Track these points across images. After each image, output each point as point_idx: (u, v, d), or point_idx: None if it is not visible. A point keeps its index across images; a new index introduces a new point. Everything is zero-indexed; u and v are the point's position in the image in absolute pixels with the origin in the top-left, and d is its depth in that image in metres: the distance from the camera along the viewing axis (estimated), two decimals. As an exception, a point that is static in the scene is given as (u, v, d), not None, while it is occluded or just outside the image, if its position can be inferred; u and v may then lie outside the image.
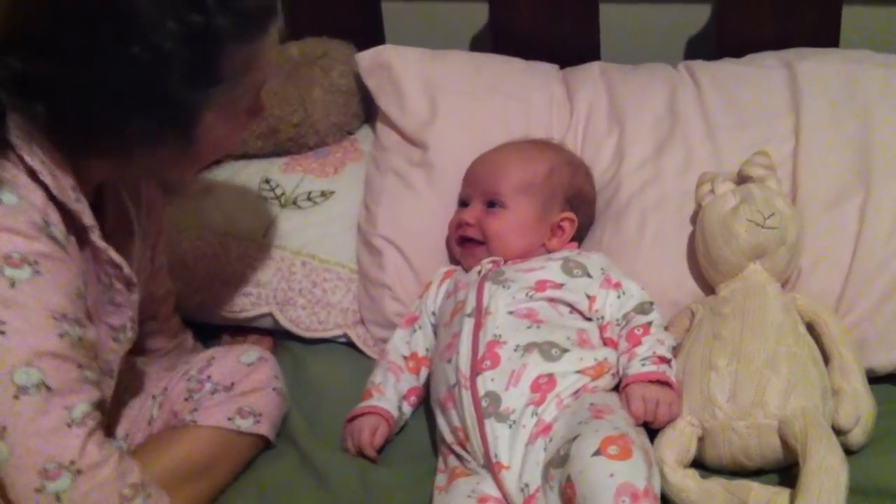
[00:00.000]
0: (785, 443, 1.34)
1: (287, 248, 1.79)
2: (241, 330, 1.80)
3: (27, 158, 1.17)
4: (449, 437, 1.42)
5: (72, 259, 1.21)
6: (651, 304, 1.53)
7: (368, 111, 1.99)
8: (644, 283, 1.57)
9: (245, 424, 1.46)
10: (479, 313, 1.49)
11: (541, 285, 1.52)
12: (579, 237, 1.70)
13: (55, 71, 1.14)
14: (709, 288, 1.59)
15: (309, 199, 1.84)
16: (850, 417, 1.39)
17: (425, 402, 1.59)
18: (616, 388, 1.46)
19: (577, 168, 1.72)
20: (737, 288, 1.52)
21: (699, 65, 1.86)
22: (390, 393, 1.56)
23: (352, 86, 1.97)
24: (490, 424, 1.37)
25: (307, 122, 1.92)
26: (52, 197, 1.19)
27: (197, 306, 1.78)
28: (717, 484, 1.34)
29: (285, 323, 1.76)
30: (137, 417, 1.51)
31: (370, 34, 2.03)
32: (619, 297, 1.53)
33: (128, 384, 1.53)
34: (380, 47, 1.93)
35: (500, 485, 1.34)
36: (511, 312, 1.48)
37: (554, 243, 1.64)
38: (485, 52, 1.98)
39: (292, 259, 1.78)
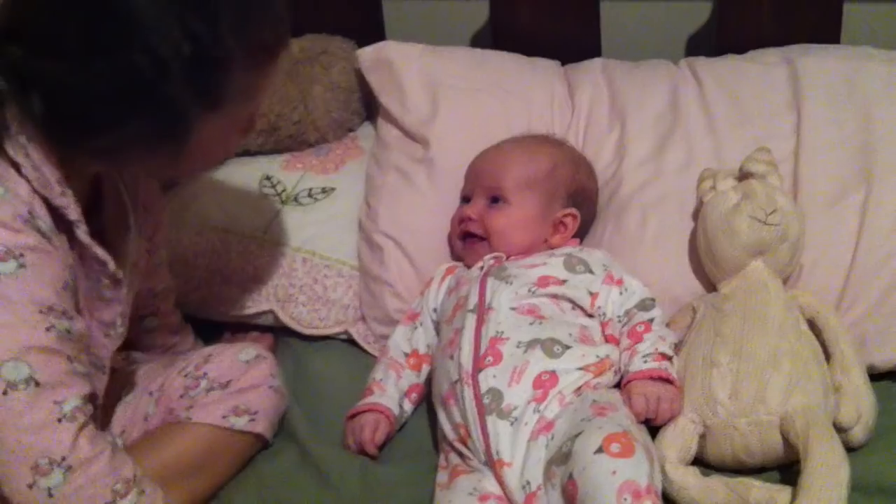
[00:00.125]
0: (786, 440, 1.34)
1: (288, 245, 1.79)
2: (243, 327, 1.80)
3: (10, 152, 1.17)
4: (450, 434, 1.42)
5: (58, 252, 1.20)
6: (653, 300, 1.53)
7: (369, 108, 1.99)
8: (646, 279, 1.57)
9: (240, 423, 1.45)
10: (482, 310, 1.49)
11: (543, 281, 1.52)
12: (581, 233, 1.69)
13: (57, 66, 1.14)
14: (710, 284, 1.59)
15: (310, 196, 1.84)
16: (852, 415, 1.39)
17: (426, 399, 1.58)
18: (618, 385, 1.46)
19: (579, 164, 1.72)
20: (738, 285, 1.52)
21: (700, 61, 1.86)
22: (391, 390, 1.56)
23: (352, 83, 1.97)
24: (492, 421, 1.37)
25: (308, 119, 1.91)
26: (36, 191, 1.19)
27: (197, 303, 1.78)
28: (718, 481, 1.34)
29: (286, 320, 1.76)
30: (134, 414, 1.51)
31: (371, 32, 2.03)
32: (620, 293, 1.53)
33: (125, 381, 1.53)
34: (381, 43, 1.93)
35: (501, 482, 1.34)
36: (513, 309, 1.48)
37: (556, 239, 1.64)
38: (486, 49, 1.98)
39: (293, 256, 1.78)
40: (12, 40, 1.15)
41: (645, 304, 1.52)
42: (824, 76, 1.73)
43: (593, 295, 1.53)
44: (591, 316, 1.52)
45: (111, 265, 1.30)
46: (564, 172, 1.67)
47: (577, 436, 1.28)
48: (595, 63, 1.92)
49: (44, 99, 1.15)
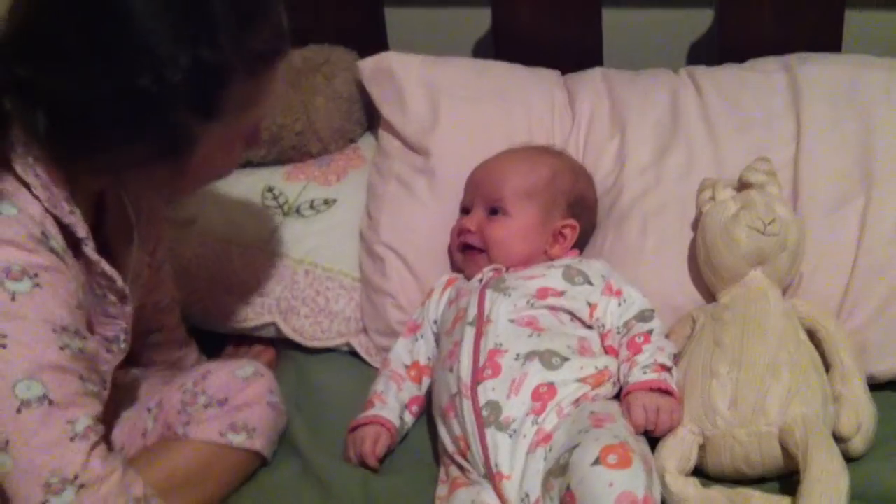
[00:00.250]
0: (786, 450, 1.34)
1: (290, 256, 1.79)
2: (245, 339, 1.81)
3: (20, 171, 1.18)
4: (450, 447, 1.43)
5: (71, 270, 1.22)
6: (652, 311, 1.53)
7: (371, 118, 2.00)
8: (646, 289, 1.57)
9: (238, 439, 1.45)
10: (481, 322, 1.49)
11: (542, 293, 1.52)
12: (581, 243, 1.70)
13: (60, 85, 1.15)
14: (710, 294, 1.59)
15: (312, 207, 1.84)
16: (851, 424, 1.39)
17: (427, 411, 1.59)
18: (617, 397, 1.46)
19: (578, 174, 1.72)
20: (738, 294, 1.52)
21: (700, 70, 1.86)
22: (392, 402, 1.56)
23: (354, 93, 1.97)
24: (491, 434, 1.37)
25: (310, 129, 1.92)
26: (47, 210, 1.20)
27: (200, 315, 1.78)
28: (718, 492, 1.34)
29: (288, 332, 1.76)
30: (132, 430, 1.51)
31: (373, 41, 2.03)
32: (619, 304, 1.53)
33: (123, 397, 1.53)
34: (382, 54, 1.94)
35: (500, 495, 1.34)
36: (512, 321, 1.48)
37: (556, 250, 1.64)
38: (487, 58, 1.98)
39: (295, 268, 1.78)
40: (16, 60, 1.15)
41: (644, 315, 1.52)
42: (824, 83, 1.73)
43: (592, 306, 1.53)
44: (589, 327, 1.53)
45: (119, 282, 1.31)
46: (563, 182, 1.67)
47: (574, 447, 1.28)
48: (595, 72, 1.92)
49: (47, 117, 1.16)
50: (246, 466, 1.48)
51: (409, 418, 1.58)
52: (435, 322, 1.63)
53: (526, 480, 1.34)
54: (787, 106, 1.73)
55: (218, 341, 1.81)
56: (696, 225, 1.62)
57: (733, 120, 1.75)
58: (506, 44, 2.01)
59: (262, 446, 1.48)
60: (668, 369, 1.44)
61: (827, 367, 1.47)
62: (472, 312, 1.51)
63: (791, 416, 1.35)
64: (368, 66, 1.92)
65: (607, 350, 1.51)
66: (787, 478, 1.36)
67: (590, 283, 1.55)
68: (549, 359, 1.43)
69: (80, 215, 1.24)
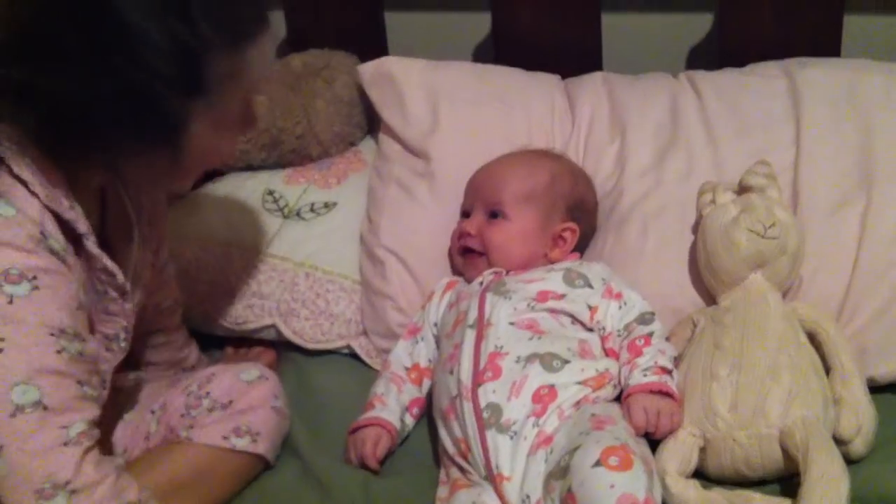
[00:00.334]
0: (786, 452, 1.34)
1: (290, 259, 1.79)
2: (245, 341, 1.81)
3: (15, 169, 1.17)
4: (451, 449, 1.43)
5: (71, 270, 1.21)
6: (652, 314, 1.53)
7: (371, 122, 2.00)
8: (646, 291, 1.57)
9: (241, 443, 1.45)
10: (481, 324, 1.49)
11: (542, 296, 1.52)
12: (581, 246, 1.70)
13: (41, 81, 1.13)
14: (710, 296, 1.59)
15: (312, 210, 1.85)
16: (852, 427, 1.39)
17: (428, 413, 1.59)
18: (617, 399, 1.46)
19: (578, 177, 1.73)
20: (738, 297, 1.52)
21: (700, 74, 1.86)
22: (393, 404, 1.56)
23: (354, 97, 1.97)
24: (491, 436, 1.37)
25: (310, 133, 1.92)
26: (46, 206, 1.19)
27: (200, 317, 1.78)
28: (718, 494, 1.34)
29: (288, 334, 1.76)
30: (136, 433, 1.51)
31: (373, 45, 2.04)
32: (620, 307, 1.53)
33: (127, 399, 1.53)
34: (382, 58, 1.94)
35: (501, 496, 1.34)
36: (512, 323, 1.48)
37: (555, 254, 1.64)
38: (487, 63, 1.99)
39: (295, 270, 1.78)
40: (8, 60, 1.15)
41: (644, 318, 1.52)
42: (824, 87, 1.73)
43: (592, 309, 1.53)
44: (590, 330, 1.53)
45: (120, 277, 1.30)
46: (563, 186, 1.67)
47: (575, 449, 1.28)
48: (595, 76, 1.92)
49: (40, 115, 1.15)
50: (249, 470, 1.48)
51: (409, 420, 1.58)
52: (435, 325, 1.63)
53: (527, 482, 1.34)
54: (786, 110, 1.73)
55: (218, 343, 1.81)
56: (696, 228, 1.63)
57: (733, 124, 1.75)
58: (506, 48, 2.01)
59: (266, 450, 1.47)
60: (669, 372, 1.45)
61: (827, 369, 1.47)
62: (473, 315, 1.51)
63: (791, 418, 1.35)
64: (369, 70, 1.93)
65: (608, 353, 1.51)
66: (788, 480, 1.36)
67: (590, 286, 1.55)
68: (550, 361, 1.43)
69: (80, 211, 1.23)
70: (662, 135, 1.78)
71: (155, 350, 1.64)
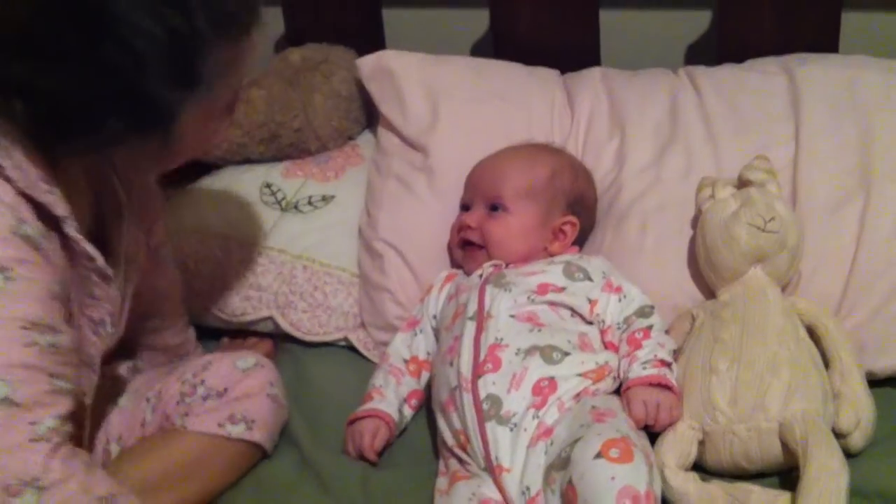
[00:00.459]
0: (785, 446, 1.34)
1: (288, 252, 1.79)
2: (242, 333, 1.80)
3: None
4: (450, 440, 1.42)
5: (47, 258, 1.18)
6: (652, 307, 1.53)
7: (369, 117, 2.00)
8: (645, 286, 1.57)
9: (236, 431, 1.44)
10: (481, 317, 1.49)
11: (542, 289, 1.52)
12: (581, 241, 1.70)
13: (30, 69, 1.11)
14: (710, 292, 1.59)
15: (310, 203, 1.84)
16: (851, 421, 1.39)
17: (426, 405, 1.59)
18: (617, 392, 1.46)
19: (578, 172, 1.73)
20: (737, 292, 1.52)
21: (700, 70, 1.86)
22: (391, 396, 1.56)
23: (353, 91, 1.97)
24: (491, 427, 1.37)
25: (308, 127, 1.92)
26: (21, 191, 1.16)
27: (198, 309, 1.77)
28: (717, 487, 1.34)
29: (286, 327, 1.76)
30: (131, 420, 1.49)
31: (371, 41, 2.04)
32: (619, 300, 1.54)
33: (122, 386, 1.52)
34: (381, 52, 1.94)
35: (500, 488, 1.34)
36: (512, 316, 1.48)
37: (555, 247, 1.64)
38: (486, 59, 1.98)
39: (293, 263, 1.78)
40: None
41: (644, 311, 1.52)
42: (823, 84, 1.74)
43: (592, 302, 1.53)
44: (590, 323, 1.53)
45: (100, 260, 1.27)
46: (563, 180, 1.67)
47: (576, 441, 1.28)
48: (594, 72, 1.93)
49: (26, 102, 1.13)
50: (246, 458, 1.47)
51: (407, 412, 1.58)
52: (434, 317, 1.63)
53: (526, 474, 1.34)
54: (785, 107, 1.74)
55: (216, 335, 1.81)
56: (695, 223, 1.63)
57: (732, 120, 1.75)
58: (504, 44, 2.01)
59: (262, 438, 1.47)
60: (668, 365, 1.45)
61: (826, 364, 1.47)
62: (473, 307, 1.51)
63: (791, 412, 1.36)
64: (367, 64, 1.92)
65: (607, 346, 1.51)
66: (787, 473, 1.36)
67: (590, 279, 1.55)
68: (550, 353, 1.43)
69: (59, 194, 1.20)
70: (661, 131, 1.78)
71: (152, 334, 1.62)
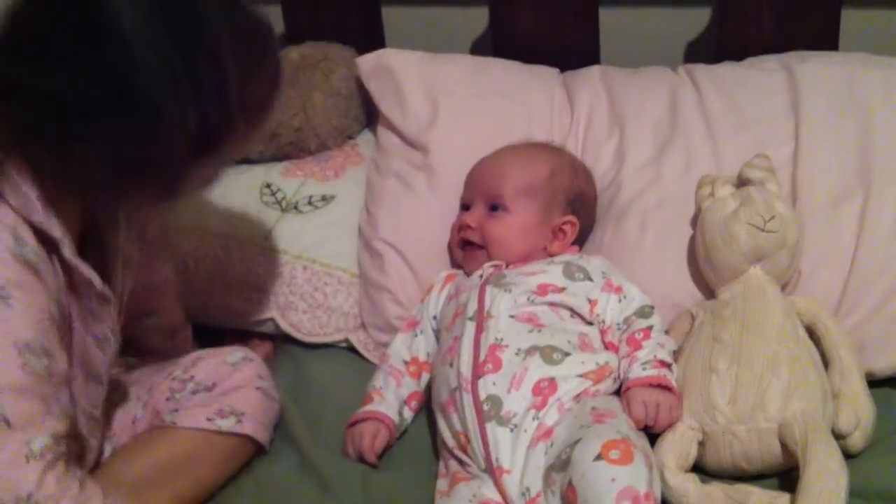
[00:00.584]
0: (785, 447, 1.34)
1: (288, 252, 1.79)
2: (244, 334, 1.80)
3: None
4: (450, 441, 1.42)
5: (45, 281, 1.19)
6: (652, 307, 1.53)
7: (369, 115, 2.00)
8: (645, 285, 1.57)
9: (226, 424, 1.44)
10: (481, 317, 1.49)
11: (542, 289, 1.52)
12: (580, 240, 1.70)
13: (30, 69, 1.12)
14: (709, 290, 1.59)
15: (310, 203, 1.84)
16: (850, 421, 1.39)
17: (426, 406, 1.59)
18: (617, 392, 1.46)
19: (578, 170, 1.73)
20: (737, 291, 1.52)
21: (699, 68, 1.86)
22: (391, 398, 1.56)
23: (352, 90, 1.97)
24: (491, 428, 1.37)
25: (308, 126, 1.92)
26: (19, 212, 1.17)
27: (197, 310, 1.78)
28: (717, 488, 1.34)
29: (286, 327, 1.76)
30: (122, 418, 1.50)
31: (371, 39, 2.03)
32: (619, 300, 1.54)
33: (115, 385, 1.51)
34: (381, 51, 1.94)
35: (501, 489, 1.34)
36: (513, 316, 1.48)
37: (555, 247, 1.64)
38: (485, 57, 1.98)
39: (293, 263, 1.78)
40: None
41: (644, 312, 1.52)
42: (823, 82, 1.73)
43: (592, 302, 1.53)
44: (590, 323, 1.53)
45: (97, 283, 1.28)
46: (563, 179, 1.67)
47: (576, 442, 1.28)
48: (594, 70, 1.92)
49: (24, 103, 1.14)
50: (239, 452, 1.47)
51: (407, 414, 1.58)
52: (434, 317, 1.63)
53: (527, 475, 1.34)
54: (785, 104, 1.73)
55: (217, 336, 1.80)
56: (694, 222, 1.63)
57: (732, 118, 1.75)
58: (504, 43, 2.01)
59: (254, 430, 1.47)
60: (668, 365, 1.45)
61: (826, 363, 1.47)
62: (473, 307, 1.50)
63: (790, 412, 1.36)
64: (367, 62, 1.92)
65: (607, 346, 1.51)
66: (787, 474, 1.37)
67: (590, 279, 1.55)
68: (550, 354, 1.43)
69: (54, 217, 1.20)
70: (661, 129, 1.77)
71: (148, 333, 1.62)
